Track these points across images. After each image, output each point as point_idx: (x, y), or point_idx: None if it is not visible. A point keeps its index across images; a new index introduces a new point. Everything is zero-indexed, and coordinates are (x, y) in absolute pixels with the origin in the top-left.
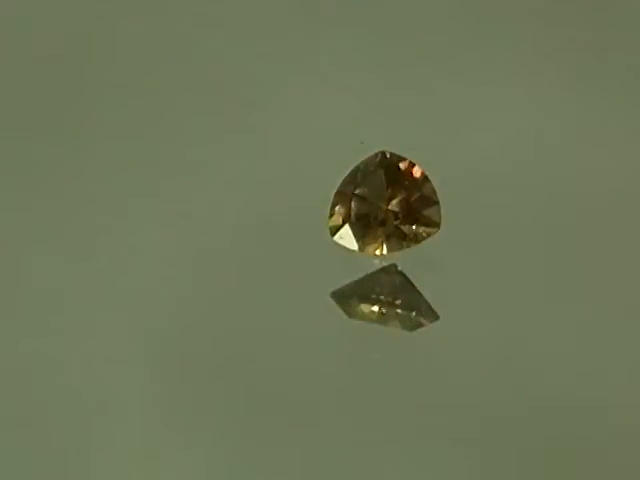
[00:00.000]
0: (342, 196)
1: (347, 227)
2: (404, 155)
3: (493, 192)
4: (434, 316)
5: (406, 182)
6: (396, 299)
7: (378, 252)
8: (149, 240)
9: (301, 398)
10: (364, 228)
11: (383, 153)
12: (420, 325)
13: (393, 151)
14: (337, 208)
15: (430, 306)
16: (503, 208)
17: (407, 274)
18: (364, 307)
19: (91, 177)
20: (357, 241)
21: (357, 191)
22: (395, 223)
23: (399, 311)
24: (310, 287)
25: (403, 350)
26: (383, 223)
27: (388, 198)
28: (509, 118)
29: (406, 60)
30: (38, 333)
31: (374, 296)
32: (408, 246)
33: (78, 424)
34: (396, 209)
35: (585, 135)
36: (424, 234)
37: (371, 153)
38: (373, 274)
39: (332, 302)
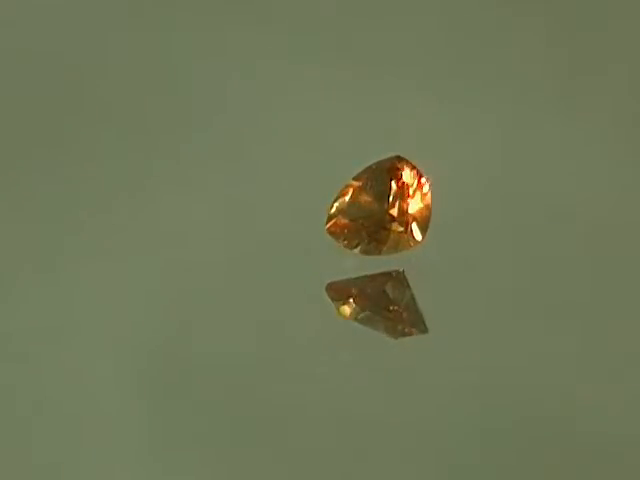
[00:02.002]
0: (346, 190)
1: (339, 219)
2: None
3: (482, 209)
4: (423, 329)
5: (410, 190)
6: (389, 305)
7: (359, 251)
8: (138, 255)
9: (294, 421)
10: (355, 225)
11: (398, 157)
12: (406, 335)
13: None
14: (338, 201)
15: (421, 319)
16: (493, 226)
17: None
18: (350, 307)
19: (75, 196)
20: (344, 236)
21: (360, 187)
22: (388, 226)
23: (387, 317)
24: (308, 300)
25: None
26: (376, 224)
27: (389, 201)
28: (496, 138)
29: (397, 85)
30: (21, 357)
31: (363, 298)
32: (389, 252)
33: (62, 444)
34: (393, 213)
35: (569, 156)
36: (408, 244)
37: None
38: (375, 276)
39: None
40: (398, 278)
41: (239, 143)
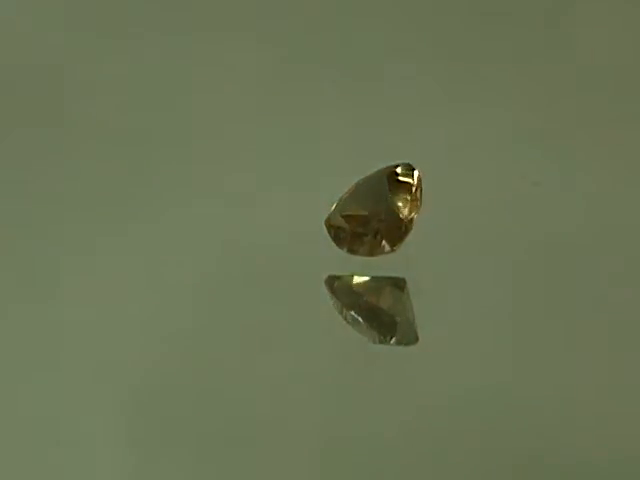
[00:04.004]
0: (350, 188)
1: (336, 215)
2: None
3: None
4: (413, 340)
5: (405, 197)
6: (383, 311)
7: (345, 250)
8: (129, 274)
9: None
10: (345, 222)
11: (404, 165)
12: (394, 343)
13: None
14: (340, 198)
15: (412, 329)
16: (490, 236)
17: None
18: (342, 306)
19: (62, 216)
20: (336, 232)
21: (360, 186)
22: (374, 230)
23: (377, 322)
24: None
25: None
26: (364, 225)
27: (380, 204)
28: (495, 150)
29: (389, 105)
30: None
31: (358, 299)
32: (365, 254)
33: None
34: (382, 217)
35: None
36: (382, 250)
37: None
38: (376, 278)
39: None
40: (398, 284)
41: (239, 151)
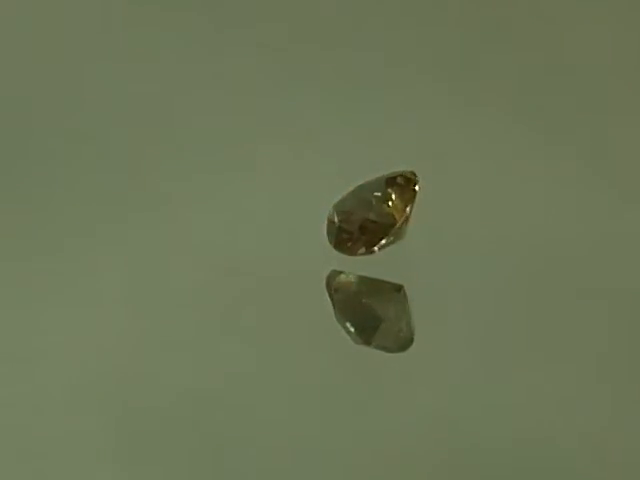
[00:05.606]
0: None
1: (333, 212)
2: None
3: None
4: (401, 348)
5: (398, 204)
6: (377, 315)
7: (334, 247)
8: (110, 281)
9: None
10: (337, 220)
11: (413, 173)
12: (382, 349)
13: None
14: (342, 201)
15: (402, 337)
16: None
17: None
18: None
19: (43, 220)
20: (330, 230)
21: (359, 189)
22: (360, 231)
23: (368, 325)
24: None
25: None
26: (353, 225)
27: (371, 206)
28: (495, 158)
29: (391, 109)
30: None
31: (354, 300)
32: (348, 253)
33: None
34: (372, 218)
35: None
36: (361, 252)
37: None
38: (376, 281)
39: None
40: (397, 289)
41: (239, 152)
